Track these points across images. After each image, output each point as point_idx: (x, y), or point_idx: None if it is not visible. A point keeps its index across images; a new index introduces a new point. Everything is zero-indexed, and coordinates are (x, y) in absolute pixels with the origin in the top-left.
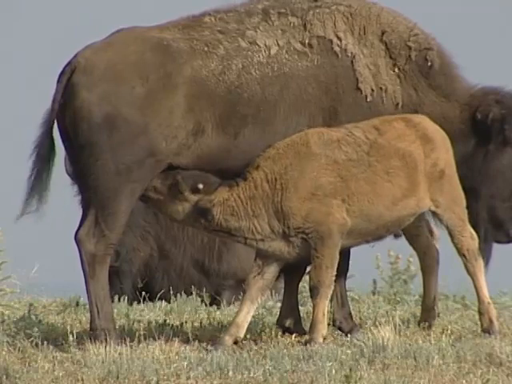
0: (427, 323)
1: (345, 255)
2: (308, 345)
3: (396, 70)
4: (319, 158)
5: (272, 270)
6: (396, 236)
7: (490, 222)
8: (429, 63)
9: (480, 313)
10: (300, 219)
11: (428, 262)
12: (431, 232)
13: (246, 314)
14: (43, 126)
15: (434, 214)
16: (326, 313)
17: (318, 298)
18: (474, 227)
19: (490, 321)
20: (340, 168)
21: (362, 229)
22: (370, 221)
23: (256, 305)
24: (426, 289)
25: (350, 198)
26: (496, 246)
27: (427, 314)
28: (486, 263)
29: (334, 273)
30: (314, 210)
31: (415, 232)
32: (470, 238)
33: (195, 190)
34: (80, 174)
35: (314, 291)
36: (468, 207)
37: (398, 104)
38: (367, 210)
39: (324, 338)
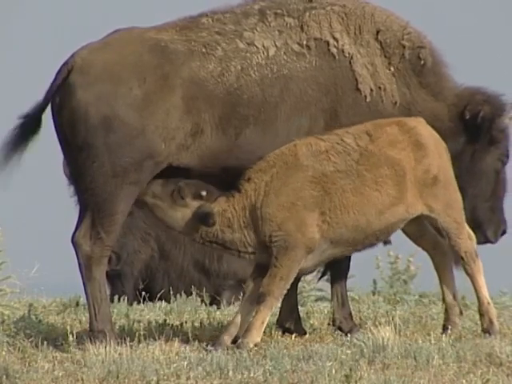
0: (452, 322)
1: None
2: (236, 349)
3: (391, 68)
4: (306, 170)
5: None
6: (385, 243)
7: (471, 222)
8: (422, 61)
9: (480, 313)
10: (275, 226)
11: (439, 258)
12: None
13: (245, 315)
14: (33, 109)
15: (428, 217)
16: (265, 322)
17: (262, 306)
18: None
19: (490, 321)
20: (326, 181)
21: (349, 238)
22: (358, 230)
23: (255, 306)
24: (444, 286)
25: (333, 211)
26: (496, 246)
27: (450, 312)
28: None
29: (287, 286)
30: (289, 220)
31: (419, 233)
32: (468, 240)
33: (197, 197)
34: (77, 175)
35: (260, 297)
36: None
37: (396, 103)
38: (353, 221)
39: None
